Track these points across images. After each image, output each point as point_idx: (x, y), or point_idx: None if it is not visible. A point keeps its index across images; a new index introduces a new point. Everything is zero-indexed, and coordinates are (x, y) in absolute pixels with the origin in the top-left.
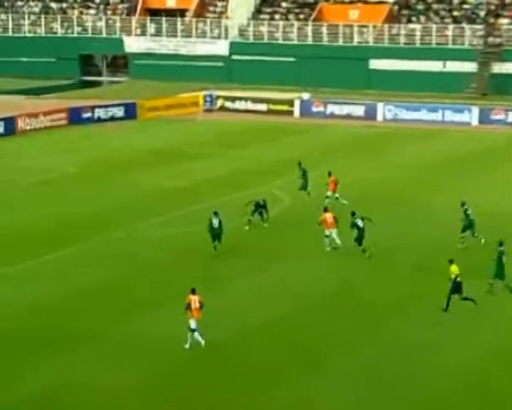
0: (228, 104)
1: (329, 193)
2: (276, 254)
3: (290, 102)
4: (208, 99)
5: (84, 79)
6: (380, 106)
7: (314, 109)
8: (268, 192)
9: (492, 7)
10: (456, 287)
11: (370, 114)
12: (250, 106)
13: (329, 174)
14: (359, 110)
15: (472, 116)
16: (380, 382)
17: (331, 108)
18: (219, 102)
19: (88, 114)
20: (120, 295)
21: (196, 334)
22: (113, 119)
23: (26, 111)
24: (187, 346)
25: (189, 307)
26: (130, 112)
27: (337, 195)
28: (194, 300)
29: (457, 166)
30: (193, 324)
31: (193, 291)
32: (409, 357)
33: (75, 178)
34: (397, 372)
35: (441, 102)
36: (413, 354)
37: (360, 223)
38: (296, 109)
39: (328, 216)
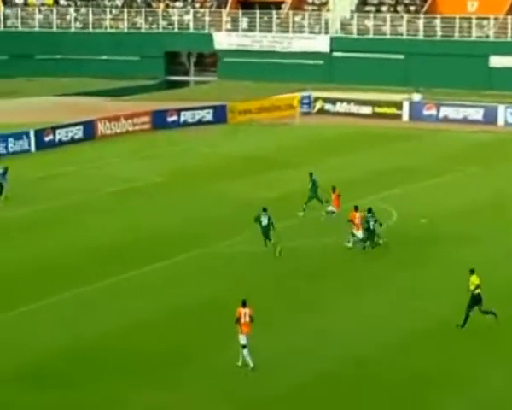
0: (328, 107)
1: (332, 208)
2: (380, 277)
3: (398, 105)
4: (306, 101)
5: (170, 78)
6: (501, 109)
7: (425, 112)
8: (373, 205)
9: None
10: (476, 299)
11: (490, 118)
12: (353, 109)
13: (334, 189)
14: (477, 114)
15: None
16: None
17: (445, 111)
18: (318, 105)
19: (173, 118)
20: (211, 316)
21: (246, 352)
22: (200, 123)
23: (106, 114)
24: (239, 363)
25: (238, 321)
26: (220, 115)
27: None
28: (245, 313)
29: None
30: (243, 339)
31: (243, 304)
32: None
33: (159, 187)
34: None
35: None
36: None
37: (372, 223)
38: (405, 112)
39: (358, 216)
